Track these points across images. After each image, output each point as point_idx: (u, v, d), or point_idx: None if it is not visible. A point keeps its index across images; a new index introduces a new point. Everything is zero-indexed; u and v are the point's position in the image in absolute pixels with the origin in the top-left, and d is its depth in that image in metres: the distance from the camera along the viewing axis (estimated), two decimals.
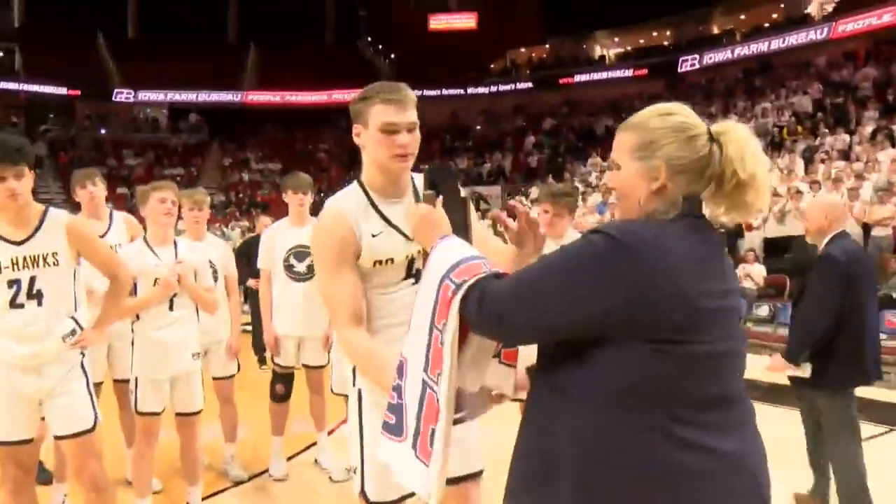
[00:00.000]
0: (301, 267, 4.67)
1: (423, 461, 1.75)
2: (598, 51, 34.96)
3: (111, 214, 4.56)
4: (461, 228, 1.88)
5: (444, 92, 33.04)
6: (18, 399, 3.05)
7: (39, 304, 3.00)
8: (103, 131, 33.15)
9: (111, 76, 34.11)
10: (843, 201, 9.80)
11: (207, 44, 35.28)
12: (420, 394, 1.77)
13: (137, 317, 3.82)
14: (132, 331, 3.86)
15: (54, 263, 3.03)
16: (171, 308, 3.81)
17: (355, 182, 2.30)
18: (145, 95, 33.69)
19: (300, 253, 4.65)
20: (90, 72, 32.96)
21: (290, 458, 5.03)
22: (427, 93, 33.63)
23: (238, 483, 4.73)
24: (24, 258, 2.99)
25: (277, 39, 34.82)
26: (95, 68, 33.73)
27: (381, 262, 2.19)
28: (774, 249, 12.17)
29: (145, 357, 3.81)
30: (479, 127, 32.87)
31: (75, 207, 4.55)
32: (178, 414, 3.98)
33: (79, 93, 32.58)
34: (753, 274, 11.25)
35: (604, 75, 31.10)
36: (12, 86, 31.85)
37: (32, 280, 2.99)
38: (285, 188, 4.79)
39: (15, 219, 3.01)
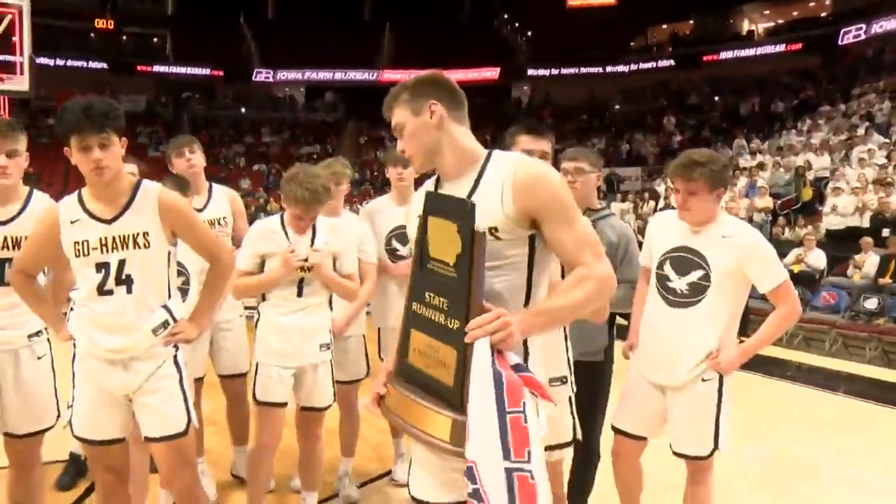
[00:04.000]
0: (405, 251, 4.25)
1: None
2: (745, 26, 34.75)
3: (211, 188, 4.41)
4: (467, 280, 1.93)
5: (582, 70, 34.10)
6: (106, 396, 2.92)
7: (129, 290, 2.84)
8: (243, 110, 36.61)
9: (251, 57, 37.32)
10: None
11: (343, 23, 37.56)
12: (507, 485, 1.84)
13: (264, 297, 3.71)
14: (257, 312, 3.76)
15: (145, 245, 2.85)
16: (299, 294, 3.62)
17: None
18: (283, 75, 36.69)
19: (403, 235, 4.13)
20: (232, 53, 36.31)
21: None
22: (564, 71, 34.74)
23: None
24: (114, 238, 2.82)
25: (413, 18, 36.69)
26: (237, 50, 37.02)
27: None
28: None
29: (269, 343, 3.66)
30: (617, 106, 33.75)
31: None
32: (301, 408, 3.78)
33: (221, 73, 36.11)
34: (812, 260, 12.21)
35: (752, 52, 30.95)
36: (163, 69, 35.81)
37: (121, 264, 2.83)
38: (386, 163, 4.51)
39: (104, 194, 2.84)
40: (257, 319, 3.73)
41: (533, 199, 2.07)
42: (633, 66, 33.78)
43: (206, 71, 36.02)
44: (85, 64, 33.53)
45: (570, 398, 2.96)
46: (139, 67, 35.04)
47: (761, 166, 17.67)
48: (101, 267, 2.82)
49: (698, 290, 3.17)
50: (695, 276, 3.18)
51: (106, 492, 3.05)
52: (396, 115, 2.25)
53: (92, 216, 2.84)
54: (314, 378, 3.69)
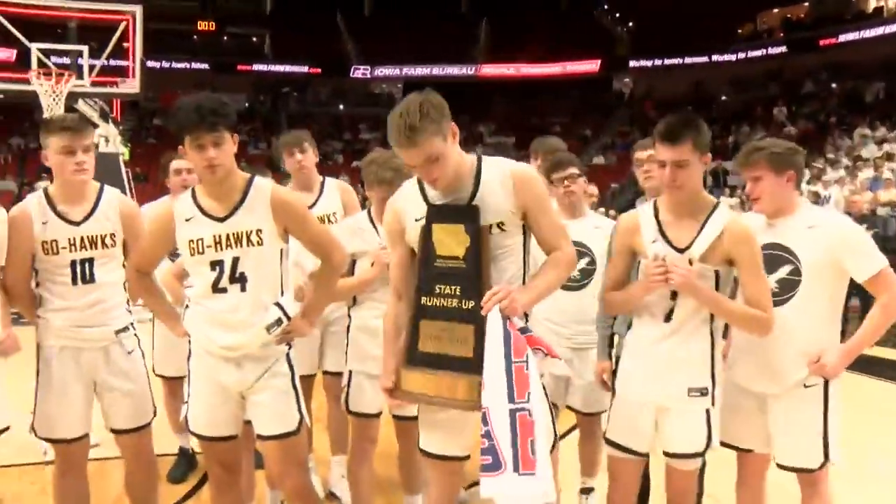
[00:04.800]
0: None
1: (528, 472, 2.29)
2: (871, 3, 32.93)
3: (323, 182, 4.38)
4: (478, 267, 2.50)
5: (687, 60, 33.39)
6: (220, 392, 2.97)
7: (243, 289, 2.88)
8: (341, 107, 37.29)
9: (348, 53, 37.95)
10: None
11: (440, 18, 37.85)
12: (510, 423, 2.33)
13: (355, 301, 3.61)
14: (348, 316, 3.67)
15: (258, 243, 2.87)
16: None
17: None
18: (381, 71, 37.23)
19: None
20: (329, 50, 37.02)
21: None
22: (668, 62, 33.99)
23: None
24: (227, 236, 2.86)
25: (510, 10, 36.57)
26: (334, 47, 37.71)
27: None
28: None
29: (361, 349, 3.54)
30: (724, 97, 32.82)
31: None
32: (396, 418, 3.59)
33: (319, 71, 36.89)
34: None
35: (879, 31, 28.99)
36: (262, 67, 36.88)
37: (235, 261, 2.86)
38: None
39: (217, 191, 2.89)
40: (349, 325, 3.65)
41: (528, 195, 2.60)
42: (742, 55, 32.80)
43: (304, 68, 36.87)
44: (188, 65, 34.90)
45: (707, 411, 2.89)
46: (239, 67, 36.13)
47: (889, 157, 16.79)
48: (216, 265, 2.87)
49: (789, 287, 3.00)
50: (783, 272, 3.02)
51: (218, 486, 3.13)
52: (428, 147, 2.46)
53: (205, 214, 2.89)
54: None
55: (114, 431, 3.36)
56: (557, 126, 33.89)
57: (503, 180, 2.59)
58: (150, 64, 27.10)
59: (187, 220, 2.91)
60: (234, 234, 2.86)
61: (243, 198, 2.89)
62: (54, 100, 13.69)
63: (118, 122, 16.56)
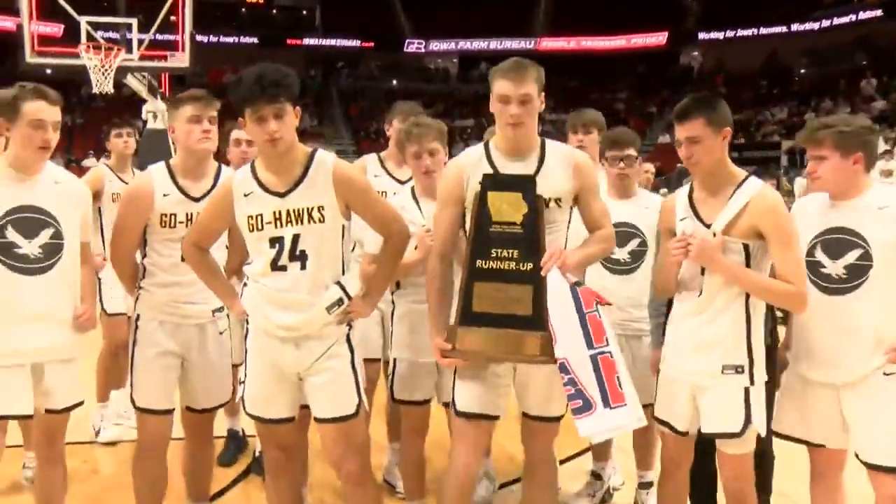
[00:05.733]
0: (622, 253, 3.78)
1: (620, 404, 2.73)
2: None
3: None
4: (536, 232, 2.84)
5: (762, 31, 32.56)
6: (277, 373, 2.99)
7: (303, 267, 2.89)
8: (394, 82, 37.28)
9: (402, 27, 37.87)
10: None
11: None
12: (592, 366, 2.74)
13: (398, 285, 3.55)
14: (392, 302, 3.61)
15: (319, 220, 2.89)
16: None
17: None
18: (435, 45, 37.20)
19: (623, 233, 3.68)
20: (382, 24, 36.92)
21: None
22: (740, 33, 33.16)
23: None
24: (288, 212, 2.87)
25: None
26: (387, 20, 37.61)
27: None
28: None
29: (405, 336, 3.51)
30: (803, 70, 31.96)
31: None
32: (445, 404, 3.54)
33: (371, 45, 36.95)
34: None
35: None
36: (313, 41, 36.97)
37: (296, 238, 2.87)
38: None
39: (277, 165, 2.91)
40: (392, 311, 3.59)
41: (585, 181, 3.02)
42: (826, 23, 31.51)
43: (356, 42, 37.04)
44: (236, 39, 35.25)
45: (746, 390, 2.91)
46: (289, 41, 36.14)
47: None
48: (275, 242, 2.89)
49: (859, 272, 2.93)
50: (852, 256, 2.94)
51: (274, 469, 3.16)
52: (529, 87, 2.88)
53: (265, 189, 2.91)
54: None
55: (190, 410, 3.43)
56: (620, 103, 33.46)
57: (565, 164, 2.99)
58: (197, 38, 27.48)
59: (246, 196, 2.92)
60: (294, 211, 2.88)
61: (304, 173, 2.91)
62: (104, 74, 13.90)
63: (166, 98, 16.78)
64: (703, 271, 2.93)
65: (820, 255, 3.02)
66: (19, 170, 3.04)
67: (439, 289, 3.03)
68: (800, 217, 3.11)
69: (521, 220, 2.86)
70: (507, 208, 2.87)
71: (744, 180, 2.94)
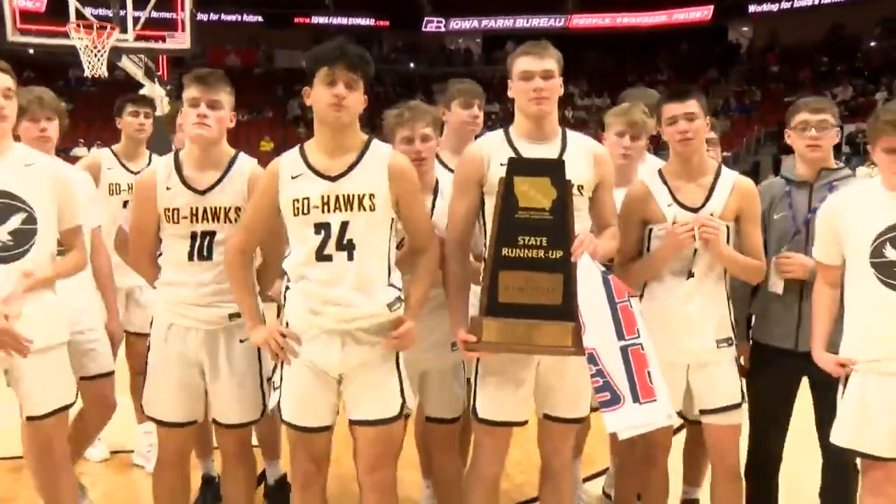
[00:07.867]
0: None
1: (649, 400, 2.82)
2: None
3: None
4: (565, 218, 2.95)
5: (824, 0, 31.82)
6: (317, 379, 3.03)
7: (350, 257, 2.93)
8: (412, 65, 37.30)
9: (420, 4, 37.73)
10: None
11: None
12: (622, 358, 2.84)
13: None
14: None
15: (370, 208, 2.93)
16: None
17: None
18: (457, 24, 37.15)
19: None
20: (398, 1, 36.83)
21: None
22: (797, 4, 32.71)
23: None
24: (337, 198, 2.92)
25: None
26: None
27: None
28: None
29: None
30: (872, 43, 31.19)
31: None
32: (428, 419, 3.68)
33: (387, 23, 36.88)
34: None
35: None
36: (322, 20, 36.86)
37: (344, 226, 2.92)
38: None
39: (333, 146, 2.97)
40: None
41: (604, 173, 3.23)
42: None
43: (370, 21, 37.01)
44: (238, 18, 35.45)
45: (736, 360, 3.43)
46: (296, 19, 36.17)
47: None
48: (321, 228, 2.93)
49: None
50: None
51: (304, 482, 3.18)
52: (551, 63, 3.10)
53: (315, 172, 2.97)
54: (440, 386, 3.59)
55: (217, 424, 3.42)
56: (661, 86, 33.04)
57: (586, 153, 3.20)
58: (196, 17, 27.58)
59: (294, 178, 2.98)
60: (345, 196, 2.93)
61: (359, 158, 2.99)
62: (96, 56, 13.84)
63: (164, 82, 16.77)
64: (694, 253, 3.29)
65: (891, 253, 3.01)
66: None
67: (458, 279, 3.19)
68: (851, 213, 3.14)
69: (550, 206, 2.95)
70: (535, 193, 2.95)
71: (719, 167, 3.43)
